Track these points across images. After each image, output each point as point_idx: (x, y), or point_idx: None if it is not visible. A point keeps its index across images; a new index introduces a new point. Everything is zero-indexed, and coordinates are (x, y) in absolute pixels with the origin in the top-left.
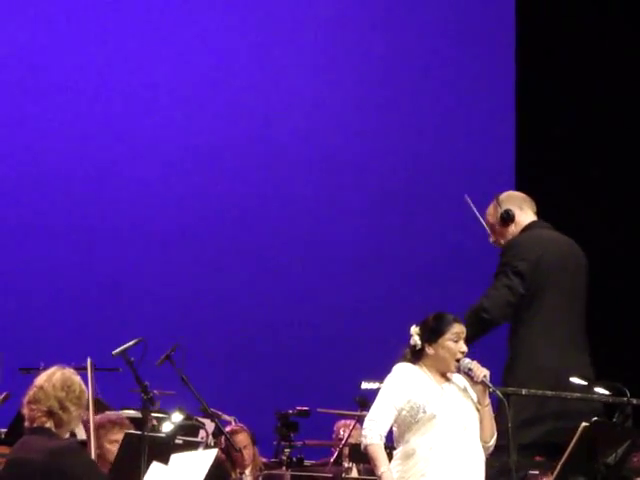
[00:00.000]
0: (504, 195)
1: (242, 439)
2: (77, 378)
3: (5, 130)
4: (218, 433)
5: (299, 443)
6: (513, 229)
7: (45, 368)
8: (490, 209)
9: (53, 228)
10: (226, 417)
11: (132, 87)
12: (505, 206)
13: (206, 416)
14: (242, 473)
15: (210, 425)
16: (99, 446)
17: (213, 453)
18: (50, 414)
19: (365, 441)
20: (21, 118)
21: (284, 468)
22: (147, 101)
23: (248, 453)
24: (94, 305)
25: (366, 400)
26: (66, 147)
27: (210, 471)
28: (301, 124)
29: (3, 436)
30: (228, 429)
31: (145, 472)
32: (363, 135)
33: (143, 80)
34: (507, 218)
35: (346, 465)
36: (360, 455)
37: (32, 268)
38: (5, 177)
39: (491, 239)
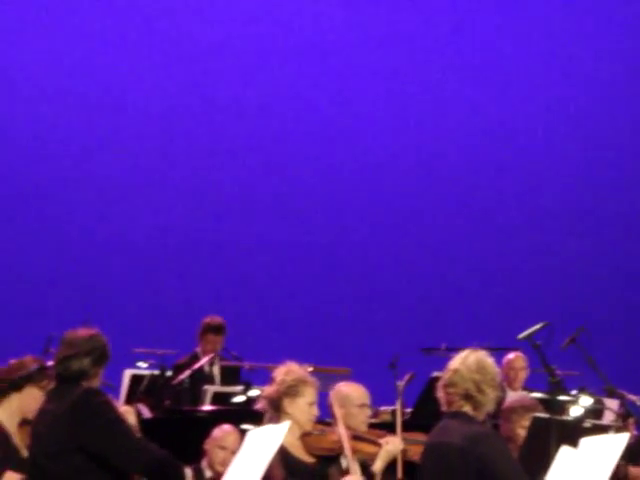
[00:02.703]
0: None
1: None
2: (490, 360)
3: None
4: (626, 414)
5: None
6: None
7: (447, 349)
8: None
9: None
10: (631, 397)
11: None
12: None
13: (610, 396)
14: None
15: (614, 405)
16: (509, 430)
17: (625, 437)
18: (467, 397)
19: None
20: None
21: None
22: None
23: None
24: (485, 287)
25: None
26: None
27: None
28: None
29: (409, 416)
30: None
31: (554, 456)
32: None
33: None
34: None
35: None
36: None
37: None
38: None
39: None
